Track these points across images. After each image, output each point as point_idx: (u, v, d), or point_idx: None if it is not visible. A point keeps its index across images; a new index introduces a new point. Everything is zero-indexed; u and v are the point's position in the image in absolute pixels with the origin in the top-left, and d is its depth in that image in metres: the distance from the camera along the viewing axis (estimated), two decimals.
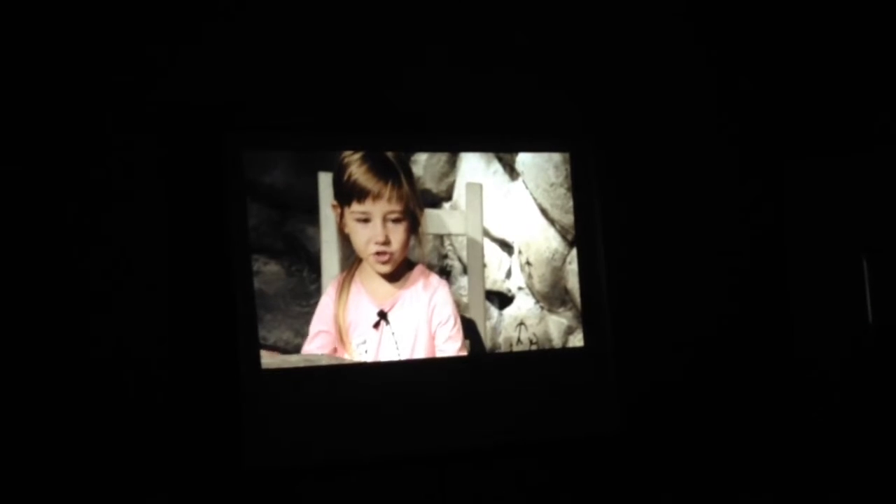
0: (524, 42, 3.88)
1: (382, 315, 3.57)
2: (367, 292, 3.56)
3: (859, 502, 3.87)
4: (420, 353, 3.60)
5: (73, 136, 3.26)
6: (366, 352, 3.53)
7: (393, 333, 3.58)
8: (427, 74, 3.72)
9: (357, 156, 3.55)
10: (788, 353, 4.09)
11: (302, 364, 3.45)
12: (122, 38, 3.33)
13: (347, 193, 3.52)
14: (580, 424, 3.80)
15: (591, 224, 3.90)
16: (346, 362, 3.51)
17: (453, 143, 3.74)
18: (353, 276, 3.55)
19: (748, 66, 4.20)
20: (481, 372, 3.70)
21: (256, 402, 3.36)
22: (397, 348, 3.58)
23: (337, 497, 3.47)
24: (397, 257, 3.58)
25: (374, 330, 3.56)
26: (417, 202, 3.63)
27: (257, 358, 3.39)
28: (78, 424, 3.18)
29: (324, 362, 3.48)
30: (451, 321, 3.64)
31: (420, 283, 3.63)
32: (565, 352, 3.84)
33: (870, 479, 3.89)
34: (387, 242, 3.54)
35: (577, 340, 3.85)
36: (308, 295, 3.49)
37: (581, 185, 3.90)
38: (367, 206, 3.52)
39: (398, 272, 3.60)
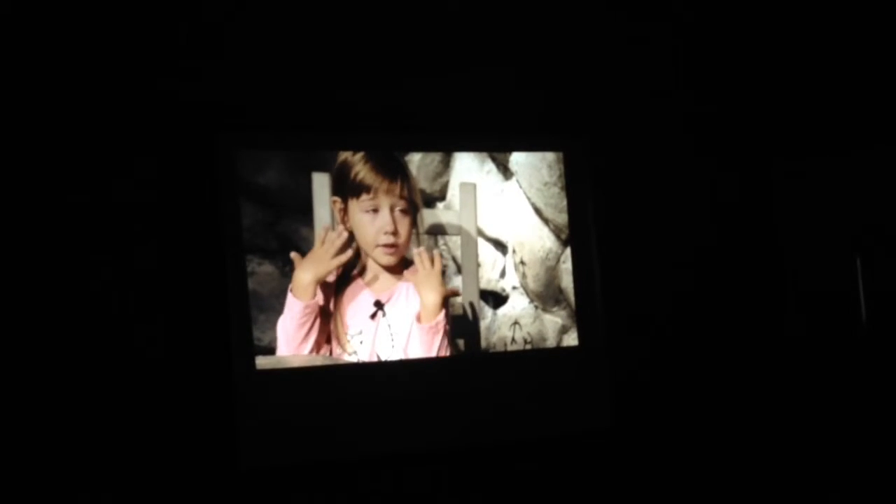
0: (518, 42, 3.88)
1: (379, 305, 3.58)
2: (364, 281, 3.57)
3: (852, 502, 3.88)
4: (414, 347, 3.60)
5: (67, 136, 3.26)
6: (361, 342, 3.54)
7: (389, 325, 3.58)
8: (421, 75, 3.71)
9: (359, 155, 3.57)
10: (783, 350, 4.09)
11: (296, 365, 3.45)
12: (117, 38, 3.33)
13: (355, 188, 3.54)
14: (575, 422, 3.81)
15: (585, 223, 3.90)
16: (340, 362, 3.51)
17: (447, 143, 3.75)
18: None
19: (742, 66, 4.20)
20: (476, 371, 3.70)
21: (251, 402, 3.37)
22: (392, 341, 3.58)
23: (332, 496, 3.47)
24: (402, 249, 3.60)
25: (370, 321, 3.57)
26: (419, 196, 3.65)
27: (251, 359, 3.40)
28: (73, 426, 3.18)
29: (318, 363, 3.48)
30: None
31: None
32: (560, 351, 3.84)
33: (863, 478, 3.89)
34: (396, 233, 3.55)
35: (571, 339, 3.86)
36: None
37: (575, 185, 3.90)
38: (377, 197, 3.55)
39: (397, 266, 3.61)
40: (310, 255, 3.48)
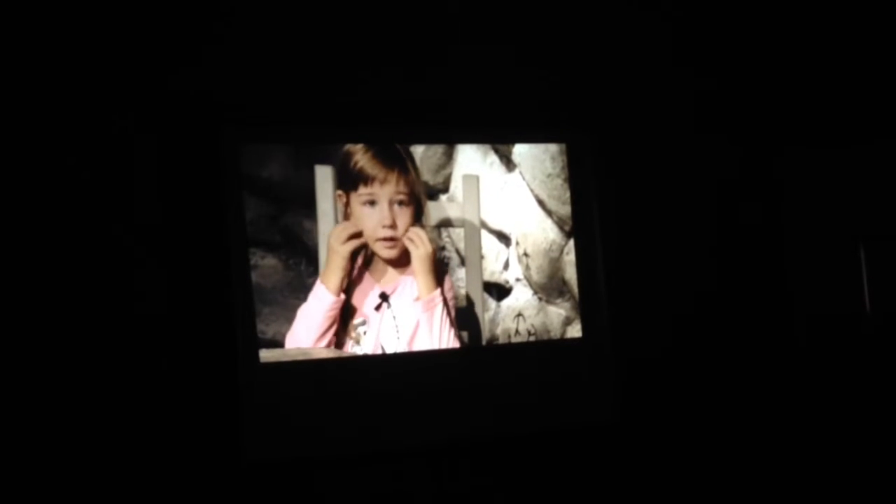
0: (520, 34, 3.87)
1: (384, 297, 3.59)
2: (370, 273, 3.58)
3: (859, 498, 3.87)
4: (420, 338, 3.61)
5: (71, 129, 3.27)
6: (364, 333, 3.55)
7: (394, 317, 3.59)
8: (424, 67, 3.71)
9: (361, 145, 3.58)
10: (787, 342, 4.09)
11: (300, 358, 3.46)
12: (121, 33, 3.34)
13: (354, 179, 3.55)
14: (578, 414, 3.81)
15: (588, 215, 3.90)
16: (344, 355, 3.52)
17: (450, 135, 3.75)
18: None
19: (745, 58, 4.18)
20: (480, 363, 3.71)
21: (255, 395, 3.39)
22: (397, 332, 3.59)
23: (336, 489, 3.48)
24: (402, 242, 3.60)
25: (375, 312, 3.58)
26: (423, 189, 3.65)
27: (255, 352, 3.41)
28: (77, 420, 3.20)
29: (322, 356, 3.49)
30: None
31: None
32: (563, 342, 3.85)
33: (869, 472, 3.89)
34: (394, 226, 3.56)
35: (575, 331, 3.86)
36: (306, 288, 3.49)
37: (578, 176, 3.90)
38: (374, 189, 3.55)
39: (402, 258, 3.62)
40: (328, 258, 3.49)
